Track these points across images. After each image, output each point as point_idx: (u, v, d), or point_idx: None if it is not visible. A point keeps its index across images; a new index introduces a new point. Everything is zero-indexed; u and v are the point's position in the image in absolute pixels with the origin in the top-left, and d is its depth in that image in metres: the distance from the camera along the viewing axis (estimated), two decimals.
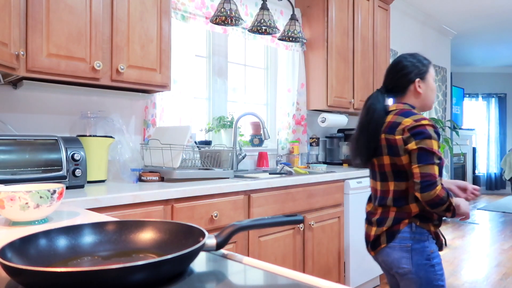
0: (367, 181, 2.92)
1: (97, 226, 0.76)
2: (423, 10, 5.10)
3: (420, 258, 1.54)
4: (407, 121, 1.53)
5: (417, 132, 1.49)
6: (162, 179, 2.05)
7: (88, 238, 0.74)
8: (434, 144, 1.48)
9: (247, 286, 0.60)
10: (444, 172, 5.61)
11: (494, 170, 8.74)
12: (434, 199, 1.45)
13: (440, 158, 1.49)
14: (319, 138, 3.52)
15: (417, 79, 1.65)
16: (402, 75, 1.66)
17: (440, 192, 1.45)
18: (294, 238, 2.34)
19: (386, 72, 1.73)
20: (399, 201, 1.57)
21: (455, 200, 1.54)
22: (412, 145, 1.49)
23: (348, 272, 2.77)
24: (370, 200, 1.73)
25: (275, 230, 2.21)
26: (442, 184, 1.49)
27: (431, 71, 1.70)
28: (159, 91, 2.24)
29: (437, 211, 1.49)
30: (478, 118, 8.76)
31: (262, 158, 2.95)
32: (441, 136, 1.74)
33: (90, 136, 1.95)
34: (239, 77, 3.19)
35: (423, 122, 1.51)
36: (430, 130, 1.50)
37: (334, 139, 3.58)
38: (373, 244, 1.64)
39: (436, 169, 1.47)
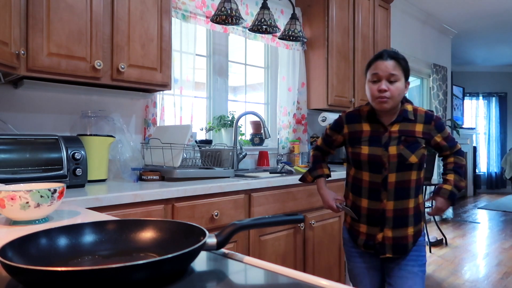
0: None
1: (98, 226, 0.76)
2: (423, 9, 5.09)
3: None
4: None
5: None
6: (162, 178, 2.05)
7: (88, 238, 0.74)
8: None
9: (248, 285, 0.60)
10: None
11: (494, 169, 8.73)
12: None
13: (324, 135, 1.87)
14: (319, 137, 3.52)
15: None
16: None
17: (311, 152, 1.93)
18: (294, 237, 2.34)
19: None
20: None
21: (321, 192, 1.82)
22: None
23: None
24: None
25: (276, 229, 2.21)
26: (313, 148, 1.92)
27: (370, 68, 1.65)
28: (159, 90, 2.24)
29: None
30: (479, 117, 8.76)
31: (262, 157, 2.95)
32: (342, 124, 1.76)
33: (90, 135, 1.95)
34: (239, 76, 3.19)
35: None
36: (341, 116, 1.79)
37: None
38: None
39: (318, 140, 1.91)
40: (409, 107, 1.69)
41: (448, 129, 1.69)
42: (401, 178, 1.62)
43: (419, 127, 1.65)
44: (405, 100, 1.72)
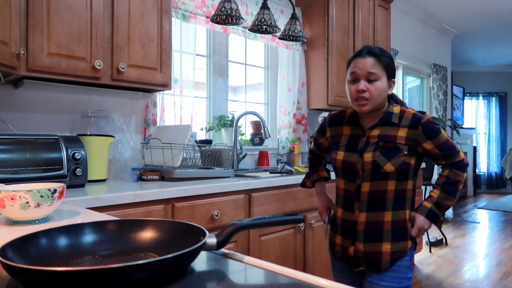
0: None
1: (98, 225, 0.76)
2: (423, 9, 5.09)
3: None
4: None
5: None
6: (162, 178, 2.05)
7: (88, 237, 0.74)
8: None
9: (248, 285, 0.60)
10: None
11: (494, 169, 8.73)
12: None
13: (314, 139, 1.75)
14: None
15: None
16: None
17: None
18: (294, 237, 2.34)
19: None
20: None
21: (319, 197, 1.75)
22: None
23: None
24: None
25: (276, 229, 2.21)
26: (308, 152, 1.86)
27: (350, 66, 1.53)
28: (159, 90, 2.24)
29: None
30: (479, 117, 8.76)
31: (262, 157, 2.95)
32: (325, 127, 1.65)
33: (90, 135, 1.95)
34: (239, 76, 3.19)
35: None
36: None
37: None
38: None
39: (312, 144, 1.79)
40: (395, 109, 1.50)
41: (447, 135, 1.51)
42: (375, 187, 1.45)
43: (402, 132, 1.46)
44: (394, 101, 1.56)
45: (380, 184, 1.45)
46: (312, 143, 1.79)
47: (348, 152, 1.50)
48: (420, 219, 1.46)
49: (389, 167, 1.42)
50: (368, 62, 1.44)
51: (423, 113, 1.48)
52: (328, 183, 2.13)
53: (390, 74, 1.49)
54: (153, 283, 0.57)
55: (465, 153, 7.52)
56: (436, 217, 1.47)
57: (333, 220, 1.61)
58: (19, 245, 0.64)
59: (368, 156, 1.45)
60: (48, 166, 1.64)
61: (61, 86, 1.95)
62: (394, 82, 1.52)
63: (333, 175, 1.84)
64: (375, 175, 1.44)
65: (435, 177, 5.40)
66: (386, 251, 1.45)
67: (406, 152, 1.44)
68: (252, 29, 2.80)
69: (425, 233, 4.14)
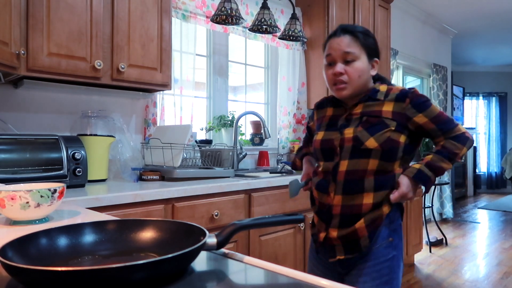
0: None
1: (98, 225, 0.76)
2: (423, 9, 5.09)
3: None
4: None
5: None
6: (162, 178, 2.05)
7: (88, 237, 0.74)
8: None
9: (248, 285, 0.60)
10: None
11: (494, 169, 8.73)
12: None
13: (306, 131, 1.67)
14: None
15: None
16: None
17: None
18: (295, 237, 2.34)
19: None
20: None
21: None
22: None
23: None
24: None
25: (276, 229, 2.21)
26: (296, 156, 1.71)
27: (325, 49, 1.38)
28: (159, 90, 2.24)
29: None
30: (479, 117, 8.76)
31: (262, 157, 2.95)
32: (313, 111, 1.53)
33: (90, 135, 1.95)
34: (239, 76, 3.19)
35: None
36: None
37: None
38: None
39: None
40: (382, 87, 1.36)
41: (436, 106, 1.36)
42: (354, 166, 1.28)
43: (387, 106, 1.30)
44: (381, 80, 1.42)
45: (359, 163, 1.27)
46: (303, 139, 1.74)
47: (328, 131, 1.37)
48: (405, 182, 1.27)
49: (371, 142, 1.25)
50: (343, 41, 1.29)
51: (413, 88, 1.35)
52: None
53: (371, 53, 1.34)
54: (153, 283, 0.57)
55: (465, 153, 7.50)
56: (425, 179, 1.27)
57: (313, 200, 1.44)
58: (19, 245, 0.64)
59: (348, 132, 1.29)
60: (48, 166, 1.64)
61: (61, 86, 1.95)
62: (377, 62, 1.37)
63: None
64: (355, 152, 1.27)
65: None
66: (361, 227, 1.27)
67: (393, 128, 1.27)
68: (252, 29, 2.80)
69: (425, 232, 4.16)
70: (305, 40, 3.24)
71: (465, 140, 1.30)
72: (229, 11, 2.48)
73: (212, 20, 2.56)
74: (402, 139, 1.29)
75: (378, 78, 1.41)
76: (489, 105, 8.74)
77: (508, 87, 8.67)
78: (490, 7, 5.03)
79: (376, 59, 1.36)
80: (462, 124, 7.72)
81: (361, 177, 1.27)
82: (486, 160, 8.78)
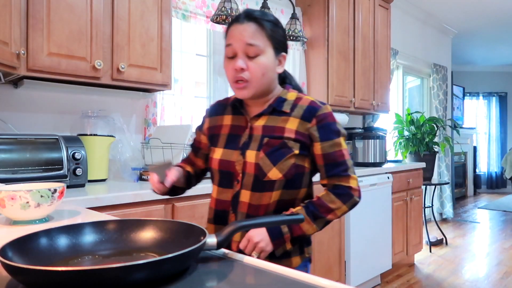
0: (368, 180, 2.92)
1: (98, 225, 0.76)
2: (423, 9, 5.09)
3: None
4: None
5: None
6: None
7: (88, 237, 0.74)
8: None
9: (248, 285, 0.60)
10: (446, 170, 5.59)
11: (494, 169, 8.73)
12: None
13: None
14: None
15: None
16: None
17: None
18: None
19: None
20: None
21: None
22: None
23: (349, 271, 2.77)
24: None
25: None
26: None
27: (226, 36, 1.14)
28: (160, 90, 2.24)
29: None
30: (479, 117, 8.75)
31: None
32: (204, 118, 1.26)
33: (91, 135, 1.95)
34: None
35: None
36: None
37: None
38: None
39: None
40: (290, 95, 1.16)
41: (343, 142, 1.13)
42: (257, 201, 1.09)
43: (292, 124, 1.11)
44: (292, 86, 1.22)
45: (263, 197, 1.09)
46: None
47: (228, 149, 1.13)
48: (258, 232, 1.06)
49: (274, 173, 1.07)
50: (247, 30, 1.07)
51: (324, 104, 1.15)
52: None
53: (279, 46, 1.13)
54: (153, 282, 0.57)
55: (466, 153, 7.51)
56: (278, 236, 1.06)
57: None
58: (19, 245, 0.64)
59: (251, 156, 1.09)
60: (48, 166, 1.64)
61: (61, 86, 1.95)
62: (284, 57, 1.16)
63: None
64: (258, 184, 1.08)
65: (435, 176, 5.40)
66: None
67: (297, 152, 1.09)
68: None
69: (425, 232, 4.16)
70: (305, 40, 3.24)
71: (349, 198, 1.11)
72: (229, 11, 2.48)
73: (212, 20, 2.56)
74: (308, 163, 1.12)
75: (284, 77, 1.23)
76: (489, 105, 8.73)
77: (508, 87, 8.66)
78: (490, 7, 5.03)
79: (284, 53, 1.15)
80: (462, 124, 7.71)
81: (264, 210, 1.10)
82: (486, 160, 8.78)
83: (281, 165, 1.07)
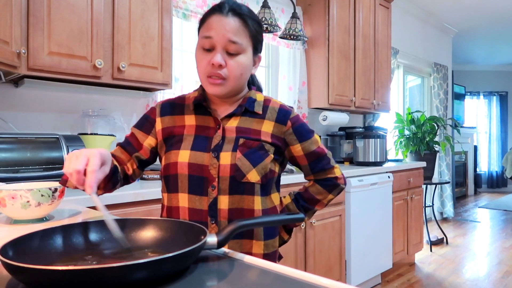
0: (368, 179, 2.92)
1: (98, 225, 0.76)
2: (424, 8, 5.08)
3: None
4: None
5: None
6: None
7: (89, 237, 0.74)
8: None
9: (248, 285, 0.60)
10: (448, 169, 5.59)
11: (495, 168, 8.73)
12: None
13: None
14: (320, 136, 3.52)
15: None
16: None
17: None
18: (295, 236, 2.34)
19: None
20: None
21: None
22: None
23: (349, 270, 2.77)
24: None
25: None
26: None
27: (204, 25, 1.05)
28: (160, 89, 2.24)
29: None
30: (480, 116, 8.75)
31: None
32: (154, 117, 1.14)
33: (91, 134, 1.95)
34: None
35: None
36: None
37: (336, 137, 3.58)
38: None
39: None
40: (258, 96, 1.12)
41: (318, 138, 1.15)
42: (238, 204, 1.02)
43: (267, 126, 1.07)
44: (256, 87, 1.19)
45: (243, 200, 1.02)
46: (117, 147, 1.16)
47: (196, 151, 1.03)
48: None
49: (254, 175, 1.01)
50: (231, 25, 1.00)
51: (291, 107, 1.15)
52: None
53: (258, 47, 1.08)
54: (154, 282, 0.57)
55: (466, 152, 7.51)
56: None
57: None
58: (20, 244, 0.64)
59: (225, 158, 1.01)
60: (48, 165, 1.64)
61: (62, 85, 1.95)
62: (260, 59, 1.12)
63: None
64: (235, 186, 1.01)
65: (436, 175, 5.40)
66: None
67: (273, 156, 1.06)
68: None
69: (426, 231, 4.16)
70: (306, 39, 3.24)
71: (334, 187, 1.16)
72: None
73: None
74: (277, 169, 1.10)
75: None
76: (490, 104, 8.73)
77: (509, 86, 8.66)
78: (491, 6, 5.02)
79: (259, 55, 1.11)
80: (463, 124, 7.71)
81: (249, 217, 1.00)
82: (486, 159, 8.77)
83: (260, 168, 1.02)
